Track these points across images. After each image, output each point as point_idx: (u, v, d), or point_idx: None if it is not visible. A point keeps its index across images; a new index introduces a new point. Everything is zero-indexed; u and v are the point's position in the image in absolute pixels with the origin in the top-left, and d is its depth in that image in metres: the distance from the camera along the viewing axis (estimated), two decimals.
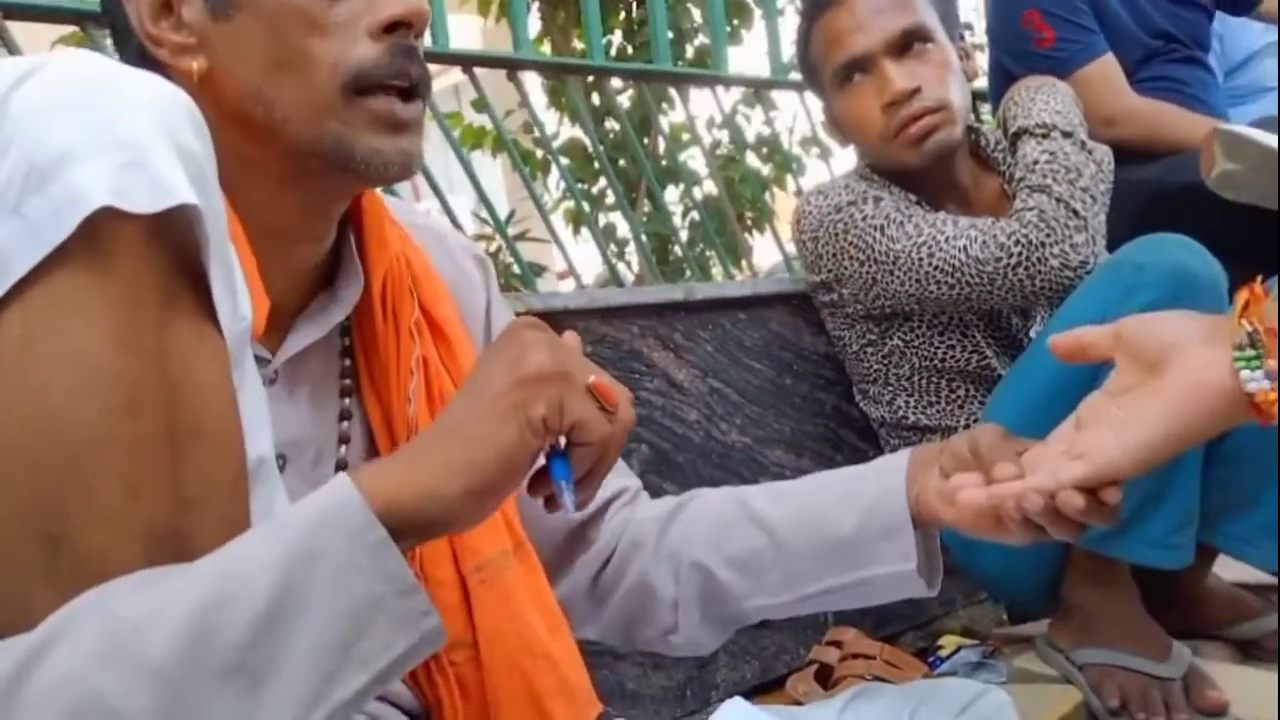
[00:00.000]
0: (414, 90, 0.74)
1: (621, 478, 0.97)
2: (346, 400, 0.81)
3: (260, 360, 0.68)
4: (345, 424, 0.81)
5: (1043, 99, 1.54)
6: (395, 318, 0.81)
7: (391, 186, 1.48)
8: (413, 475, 0.58)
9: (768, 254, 3.96)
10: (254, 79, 0.71)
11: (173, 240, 0.54)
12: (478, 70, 1.73)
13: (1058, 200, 1.42)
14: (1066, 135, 1.49)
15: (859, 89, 1.52)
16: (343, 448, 0.80)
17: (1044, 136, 1.50)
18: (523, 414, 0.61)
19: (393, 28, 0.72)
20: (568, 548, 0.93)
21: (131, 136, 0.52)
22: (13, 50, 1.22)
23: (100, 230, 0.51)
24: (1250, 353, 0.61)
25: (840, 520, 0.83)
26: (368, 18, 0.72)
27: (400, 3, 0.72)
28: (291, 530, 0.54)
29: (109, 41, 0.90)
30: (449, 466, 0.59)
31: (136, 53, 0.74)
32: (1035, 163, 1.47)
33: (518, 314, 0.98)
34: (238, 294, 0.58)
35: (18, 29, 1.22)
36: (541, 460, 0.65)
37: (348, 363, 0.82)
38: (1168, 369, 0.64)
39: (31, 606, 0.52)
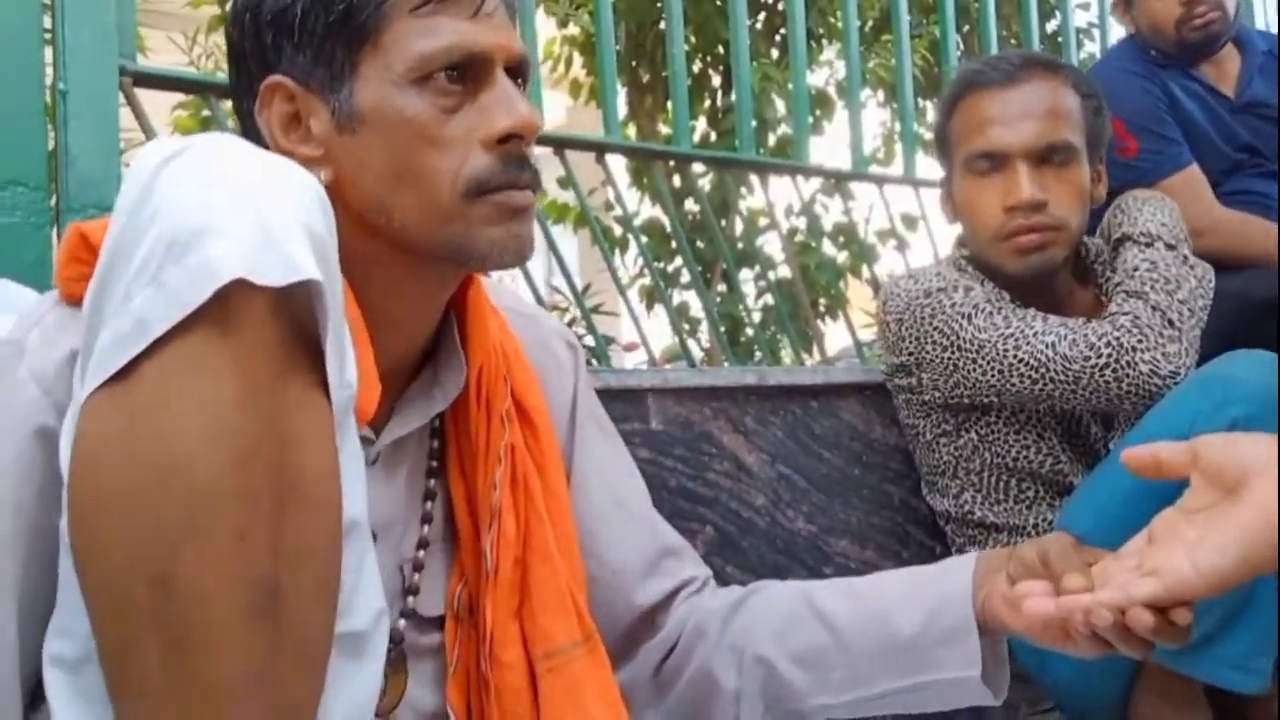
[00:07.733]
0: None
1: (691, 566, 0.96)
2: (431, 481, 0.83)
3: (364, 440, 0.70)
4: (429, 504, 0.83)
5: (1150, 210, 1.54)
6: (489, 405, 0.83)
7: None
8: None
9: (839, 340, 3.96)
10: (376, 190, 0.74)
11: (294, 311, 0.58)
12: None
13: (1154, 308, 1.41)
14: (1170, 248, 1.49)
15: (986, 181, 1.50)
16: (425, 526, 0.82)
17: (1147, 245, 1.50)
18: None
19: (505, 139, 0.75)
20: (634, 633, 0.93)
21: (265, 216, 0.57)
22: (138, 113, 1.30)
23: (231, 299, 0.55)
24: None
25: (902, 622, 0.83)
26: (482, 130, 0.75)
27: (510, 116, 0.75)
28: None
29: (225, 105, 0.98)
30: None
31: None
32: (1135, 269, 1.47)
33: (596, 391, 1.00)
34: (346, 364, 0.61)
35: (145, 95, 1.30)
36: None
37: (435, 443, 0.84)
38: (1245, 493, 0.65)
39: (132, 650, 0.55)
